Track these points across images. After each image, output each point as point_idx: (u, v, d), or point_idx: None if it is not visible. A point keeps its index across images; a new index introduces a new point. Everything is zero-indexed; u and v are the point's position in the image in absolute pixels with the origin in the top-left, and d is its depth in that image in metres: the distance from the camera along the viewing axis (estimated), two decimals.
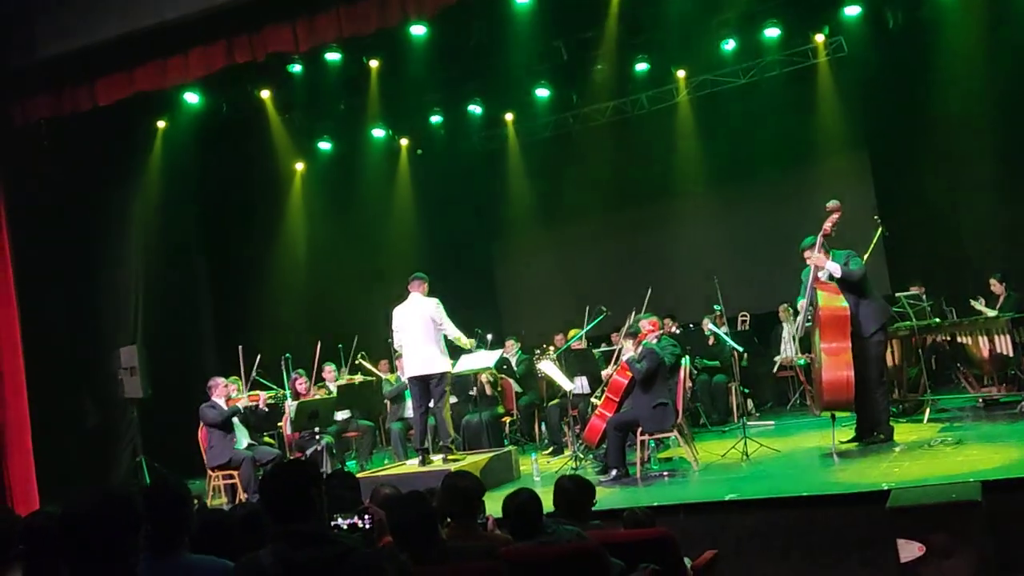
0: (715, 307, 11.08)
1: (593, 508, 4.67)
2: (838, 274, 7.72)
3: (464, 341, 8.95)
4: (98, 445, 11.20)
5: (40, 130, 10.34)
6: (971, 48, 11.19)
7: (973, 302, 10.13)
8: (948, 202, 11.91)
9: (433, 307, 8.67)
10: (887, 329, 8.16)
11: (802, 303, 8.11)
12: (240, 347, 10.05)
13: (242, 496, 8.79)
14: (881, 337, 7.85)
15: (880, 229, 9.49)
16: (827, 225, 7.87)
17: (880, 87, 12.49)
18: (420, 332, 8.65)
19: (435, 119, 13.83)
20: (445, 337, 8.79)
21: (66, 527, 2.51)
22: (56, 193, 10.83)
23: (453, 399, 9.22)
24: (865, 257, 8.49)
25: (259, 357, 10.20)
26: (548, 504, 4.39)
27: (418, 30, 10.69)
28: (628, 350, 8.46)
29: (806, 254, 7.98)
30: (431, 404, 8.72)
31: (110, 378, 11.14)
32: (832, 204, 7.92)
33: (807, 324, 8.19)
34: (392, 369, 11.22)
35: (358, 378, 11.23)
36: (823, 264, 7.79)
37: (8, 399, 9.88)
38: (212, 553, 3.24)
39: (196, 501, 5.46)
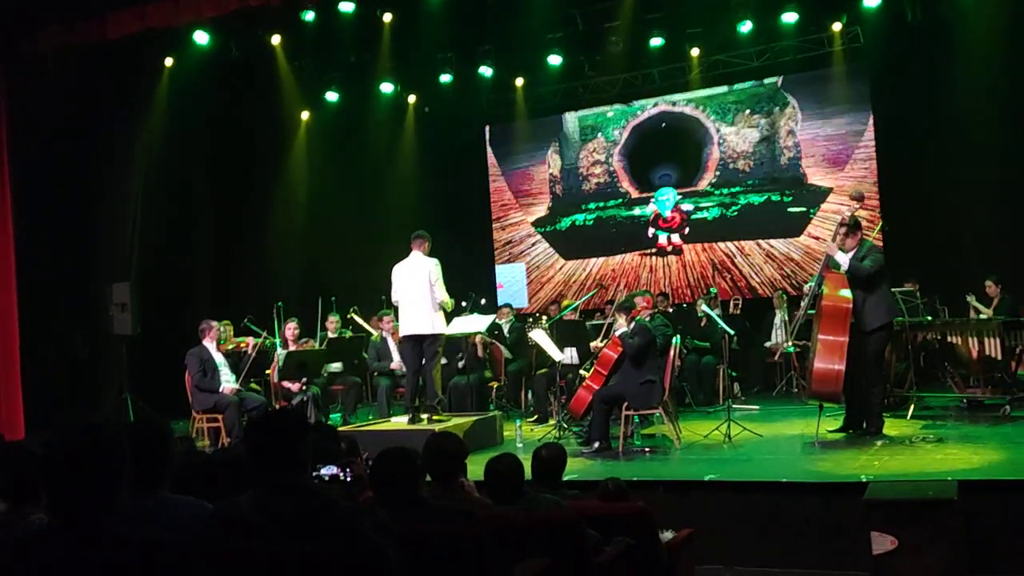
0: (710, 290, 11.09)
1: (567, 478, 4.70)
2: (845, 266, 7.69)
3: (447, 303, 8.72)
4: (86, 379, 11.23)
5: (47, 59, 10.24)
6: (988, 48, 11.09)
7: (968, 297, 10.17)
8: (950, 201, 11.83)
9: (432, 267, 8.62)
10: (891, 327, 8.07)
11: (810, 287, 8.11)
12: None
13: (225, 440, 8.83)
14: (883, 334, 7.77)
15: (880, 224, 9.47)
16: (846, 213, 7.95)
17: (891, 80, 12.44)
18: (418, 291, 8.60)
19: (445, 78, 13.72)
20: None
21: (49, 458, 2.51)
22: (59, 124, 10.77)
23: (443, 361, 9.22)
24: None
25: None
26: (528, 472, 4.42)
27: None
28: (620, 325, 8.47)
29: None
30: (422, 363, 8.74)
31: (102, 313, 11.13)
32: (855, 194, 7.97)
33: (810, 312, 8.19)
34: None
35: (349, 333, 11.25)
36: (833, 253, 7.81)
37: None
38: (192, 494, 3.25)
39: (185, 441, 5.48)
